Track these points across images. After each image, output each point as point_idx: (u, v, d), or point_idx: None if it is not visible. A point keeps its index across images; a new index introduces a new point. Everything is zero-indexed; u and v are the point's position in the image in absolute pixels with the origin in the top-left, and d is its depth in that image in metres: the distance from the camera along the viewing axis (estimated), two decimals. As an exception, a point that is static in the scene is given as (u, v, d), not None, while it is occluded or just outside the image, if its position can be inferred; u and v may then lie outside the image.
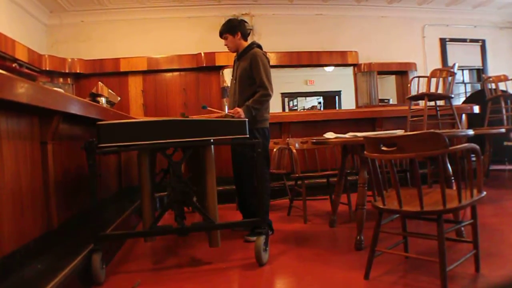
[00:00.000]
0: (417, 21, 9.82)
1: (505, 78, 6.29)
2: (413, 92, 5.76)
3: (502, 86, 6.41)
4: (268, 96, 3.68)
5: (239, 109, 3.59)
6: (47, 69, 7.81)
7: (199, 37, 8.82)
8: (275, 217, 4.37)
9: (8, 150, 2.16)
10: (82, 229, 3.04)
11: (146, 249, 3.58)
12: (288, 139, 4.89)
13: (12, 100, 1.89)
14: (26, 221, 2.33)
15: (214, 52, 8.49)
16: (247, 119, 3.12)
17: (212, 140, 2.90)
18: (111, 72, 8.49)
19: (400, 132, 3.32)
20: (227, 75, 8.42)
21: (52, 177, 2.65)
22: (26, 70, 2.93)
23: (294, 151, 4.37)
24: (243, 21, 4.01)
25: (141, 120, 3.16)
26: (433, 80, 5.29)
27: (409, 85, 6.31)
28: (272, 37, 8.93)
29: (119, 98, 6.52)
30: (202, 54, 8.61)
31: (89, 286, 2.60)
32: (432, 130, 2.22)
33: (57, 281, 2.11)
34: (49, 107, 2.35)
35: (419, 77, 5.88)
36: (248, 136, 3.04)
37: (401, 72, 9.66)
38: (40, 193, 2.54)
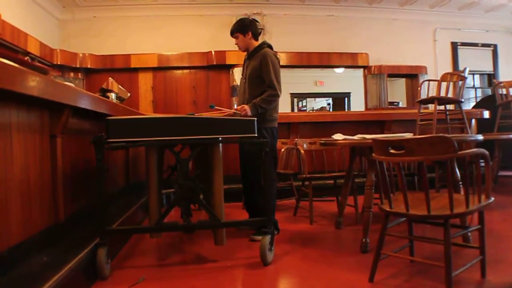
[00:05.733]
0: (428, 24, 9.78)
1: (516, 84, 6.24)
2: (423, 95, 5.75)
3: (513, 91, 6.35)
4: (276, 96, 3.68)
5: (246, 106, 3.59)
6: (59, 63, 7.89)
7: (210, 36, 8.84)
8: (281, 217, 4.37)
9: (17, 143, 2.17)
10: (89, 223, 3.06)
11: (152, 245, 3.59)
12: (296, 139, 4.89)
13: (24, 93, 1.91)
14: (33, 213, 2.35)
15: (225, 51, 8.50)
16: (255, 118, 3.12)
17: (220, 138, 2.90)
18: (122, 68, 8.55)
19: (409, 135, 3.31)
20: (237, 74, 8.44)
21: (60, 171, 2.66)
22: (38, 64, 2.94)
23: (302, 151, 4.36)
24: (254, 21, 4.02)
25: (150, 116, 3.17)
26: (444, 84, 5.26)
27: (419, 88, 6.28)
28: (283, 37, 8.93)
29: (129, 94, 6.54)
30: (213, 53, 8.63)
31: (93, 280, 2.61)
32: (441, 134, 2.21)
33: (62, 273, 2.12)
34: (59, 101, 2.37)
35: (429, 80, 5.84)
36: (256, 135, 3.04)
37: (411, 75, 9.62)
38: (48, 186, 2.56)
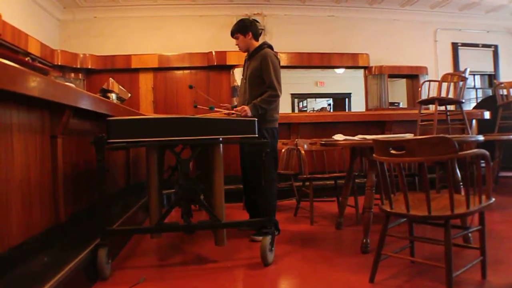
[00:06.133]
0: (429, 25, 9.76)
1: (517, 85, 6.23)
2: (424, 96, 5.74)
3: (514, 92, 6.34)
4: (276, 96, 3.68)
5: (246, 107, 3.60)
6: (59, 64, 7.87)
7: (211, 36, 8.84)
8: (281, 218, 4.37)
9: (18, 143, 2.17)
10: (89, 223, 3.06)
11: (152, 245, 3.60)
12: (296, 140, 4.89)
13: (24, 93, 1.91)
14: (34, 213, 2.35)
15: (225, 51, 8.49)
16: (256, 119, 3.12)
17: (221, 139, 2.90)
18: (122, 69, 8.53)
19: (409, 136, 3.30)
20: (238, 75, 8.43)
21: (61, 171, 2.66)
22: (39, 64, 2.95)
23: (303, 152, 4.36)
24: (255, 21, 4.02)
25: (151, 116, 3.17)
26: (444, 85, 5.26)
27: (419, 89, 6.28)
28: (284, 37, 8.92)
29: (129, 95, 6.55)
30: (213, 53, 8.62)
31: (94, 281, 2.61)
32: (441, 135, 2.21)
33: (63, 274, 2.12)
34: (60, 102, 2.36)
35: (430, 81, 5.83)
36: (257, 135, 3.04)
37: (412, 76, 9.59)
38: (48, 186, 2.56)
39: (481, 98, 9.68)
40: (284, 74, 3.84)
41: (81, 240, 2.74)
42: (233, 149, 5.29)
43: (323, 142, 3.85)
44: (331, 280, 2.65)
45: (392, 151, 2.33)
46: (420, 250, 2.91)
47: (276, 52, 3.88)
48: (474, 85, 10.26)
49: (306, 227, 4.15)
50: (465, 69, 5.31)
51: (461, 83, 5.29)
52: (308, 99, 13.91)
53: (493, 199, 2.38)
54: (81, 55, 8.29)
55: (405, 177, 2.32)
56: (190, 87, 3.78)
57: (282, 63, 3.90)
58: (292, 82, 10.49)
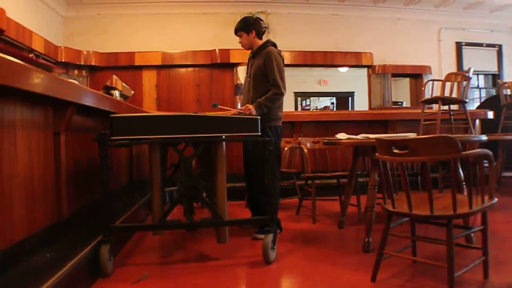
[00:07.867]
0: (433, 24, 9.74)
1: (521, 85, 6.21)
2: (427, 95, 5.72)
3: (517, 92, 6.33)
4: (281, 95, 3.67)
5: (250, 106, 3.59)
6: (63, 60, 7.89)
7: (214, 34, 8.84)
8: (284, 216, 4.37)
9: (21, 139, 2.18)
10: (92, 220, 3.07)
11: (154, 242, 3.60)
12: (299, 138, 4.88)
13: (28, 90, 1.91)
14: (37, 210, 2.35)
15: (229, 49, 8.50)
16: (259, 117, 3.12)
17: (223, 137, 2.90)
18: (126, 66, 8.55)
19: (412, 135, 3.30)
20: (241, 72, 8.44)
21: (64, 168, 2.67)
22: (42, 61, 2.95)
23: (306, 150, 4.36)
24: (259, 19, 4.02)
25: (154, 114, 3.17)
26: (448, 84, 5.25)
27: (423, 88, 6.27)
28: (287, 36, 8.92)
29: (132, 92, 6.56)
30: (217, 51, 8.63)
31: (96, 277, 2.62)
32: (445, 134, 2.21)
33: (65, 270, 2.13)
34: (63, 98, 2.37)
35: (433, 80, 5.83)
36: (260, 134, 3.04)
37: (416, 75, 9.59)
38: (51, 183, 2.57)
39: (484, 98, 9.66)
40: (288, 73, 3.83)
41: (84, 237, 2.74)
42: (236, 147, 5.29)
43: (326, 140, 3.85)
44: (333, 278, 2.65)
45: (395, 150, 2.33)
46: (422, 250, 2.91)
47: (280, 50, 3.88)
48: (478, 85, 10.25)
49: (308, 226, 4.15)
50: (469, 69, 5.30)
51: (464, 82, 5.28)
52: (311, 98, 13.89)
53: (496, 199, 2.38)
54: (85, 52, 8.32)
55: (407, 176, 2.32)
56: (215, 105, 3.79)
57: (285, 62, 3.89)
58: (295, 81, 10.49)
